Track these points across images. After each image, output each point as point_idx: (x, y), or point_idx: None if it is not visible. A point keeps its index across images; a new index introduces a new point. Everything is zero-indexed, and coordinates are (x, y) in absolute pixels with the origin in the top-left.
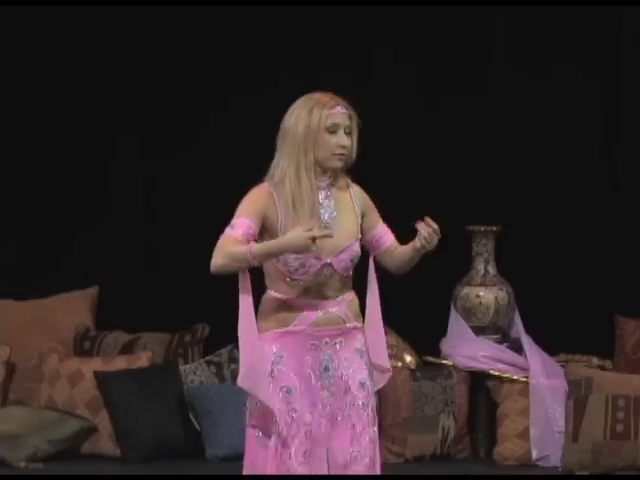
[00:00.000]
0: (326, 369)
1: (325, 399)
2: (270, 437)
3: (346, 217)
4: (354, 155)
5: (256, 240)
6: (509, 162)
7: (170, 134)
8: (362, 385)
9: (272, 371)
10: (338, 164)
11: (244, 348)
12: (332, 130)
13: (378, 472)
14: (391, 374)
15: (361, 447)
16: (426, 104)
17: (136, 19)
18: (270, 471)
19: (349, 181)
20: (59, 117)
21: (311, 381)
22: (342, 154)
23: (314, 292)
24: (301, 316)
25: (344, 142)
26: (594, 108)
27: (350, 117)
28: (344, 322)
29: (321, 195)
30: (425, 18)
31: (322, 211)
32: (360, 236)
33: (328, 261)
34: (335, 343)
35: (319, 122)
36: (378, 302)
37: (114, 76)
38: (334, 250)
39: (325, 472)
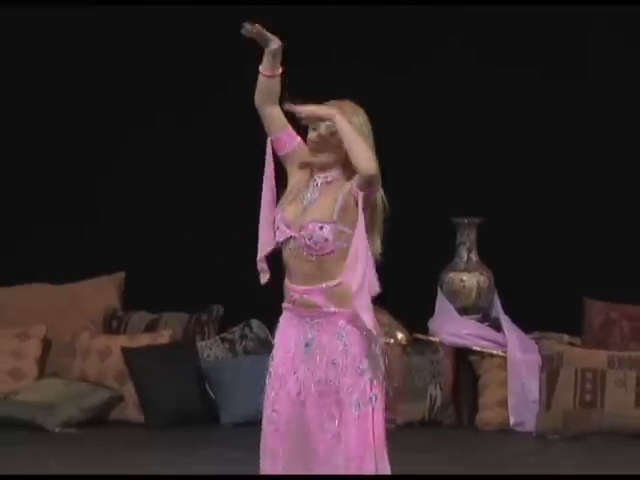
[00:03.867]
0: (307, 345)
1: (302, 371)
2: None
3: (322, 203)
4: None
5: (290, 143)
6: (488, 162)
7: (188, 125)
8: (333, 363)
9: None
10: (314, 148)
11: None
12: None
13: (354, 435)
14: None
15: (324, 416)
16: (411, 99)
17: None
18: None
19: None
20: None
21: (293, 353)
22: (311, 148)
23: (297, 275)
24: (288, 296)
25: (311, 134)
26: (561, 106)
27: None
28: (320, 307)
29: (314, 185)
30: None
31: (309, 195)
32: (335, 222)
33: (293, 234)
34: (315, 323)
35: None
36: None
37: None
38: (299, 226)
39: (286, 432)
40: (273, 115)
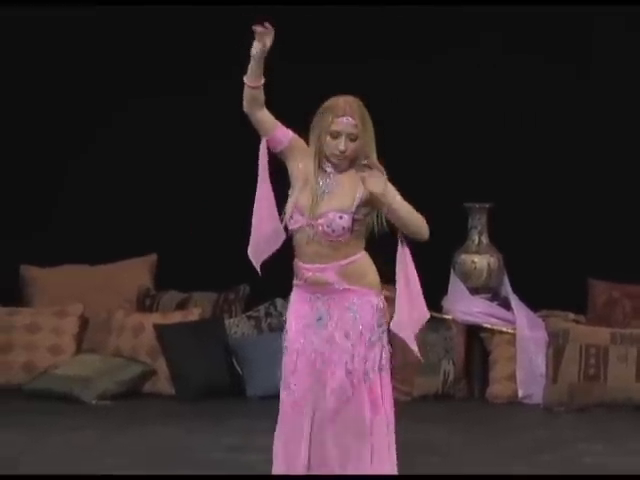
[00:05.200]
0: (319, 319)
1: (316, 343)
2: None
3: (339, 195)
4: (364, 152)
5: (281, 141)
6: (499, 151)
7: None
8: (345, 336)
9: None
10: (336, 162)
11: (254, 223)
12: (334, 135)
13: (362, 402)
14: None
15: (339, 382)
16: (425, 90)
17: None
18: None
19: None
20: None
21: (306, 326)
22: (339, 156)
23: (308, 255)
24: (300, 274)
25: (341, 147)
26: (565, 95)
27: (356, 126)
28: (332, 284)
29: (324, 174)
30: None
31: (321, 184)
32: (353, 212)
33: (310, 222)
34: (327, 299)
35: (326, 126)
36: (407, 270)
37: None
38: (315, 215)
39: (303, 402)
40: (263, 118)
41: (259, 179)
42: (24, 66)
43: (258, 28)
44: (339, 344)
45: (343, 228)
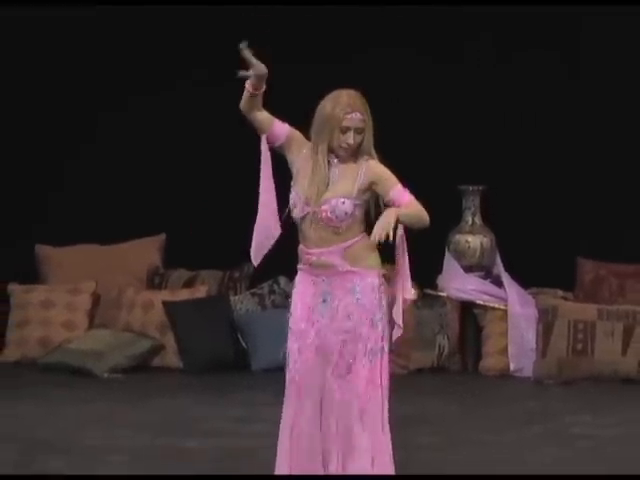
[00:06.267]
0: (324, 301)
1: (321, 322)
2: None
3: (343, 182)
4: (367, 142)
5: (279, 136)
6: (491, 136)
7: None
8: (348, 316)
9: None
10: (343, 153)
11: (258, 220)
12: (344, 131)
13: (365, 378)
14: (401, 332)
15: (345, 360)
16: (421, 76)
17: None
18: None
19: (368, 158)
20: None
21: (311, 308)
22: (346, 149)
23: (313, 240)
24: (304, 258)
25: (349, 141)
26: (555, 84)
27: (363, 120)
28: (336, 267)
29: (332, 161)
30: None
31: (325, 173)
32: (354, 198)
33: (314, 210)
34: (331, 281)
35: (336, 122)
36: (404, 265)
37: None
38: (319, 202)
39: (312, 380)
40: (260, 118)
41: (261, 176)
42: (37, 53)
43: (242, 73)
44: (343, 325)
45: (345, 213)
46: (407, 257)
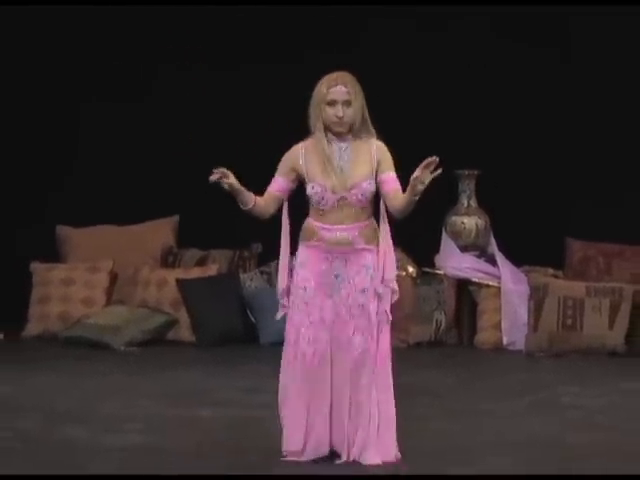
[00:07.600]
0: (337, 276)
1: (334, 297)
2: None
3: (361, 163)
4: (358, 118)
5: (291, 191)
6: (487, 122)
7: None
8: (363, 291)
9: (295, 273)
10: (338, 128)
11: (280, 274)
12: (330, 104)
13: (375, 349)
14: (397, 296)
15: (359, 332)
16: (417, 62)
17: None
18: (290, 341)
19: (373, 138)
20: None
21: (324, 284)
22: (338, 122)
23: (332, 218)
24: (319, 235)
25: (339, 114)
26: (546, 71)
27: (349, 92)
28: (352, 244)
29: (341, 146)
30: None
31: (338, 157)
32: (373, 178)
33: (342, 195)
34: (345, 259)
35: (322, 97)
36: (389, 233)
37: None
38: (346, 187)
39: (326, 353)
40: (272, 204)
41: (282, 235)
42: (59, 35)
43: (213, 177)
44: (356, 299)
45: (371, 192)
46: (390, 240)
